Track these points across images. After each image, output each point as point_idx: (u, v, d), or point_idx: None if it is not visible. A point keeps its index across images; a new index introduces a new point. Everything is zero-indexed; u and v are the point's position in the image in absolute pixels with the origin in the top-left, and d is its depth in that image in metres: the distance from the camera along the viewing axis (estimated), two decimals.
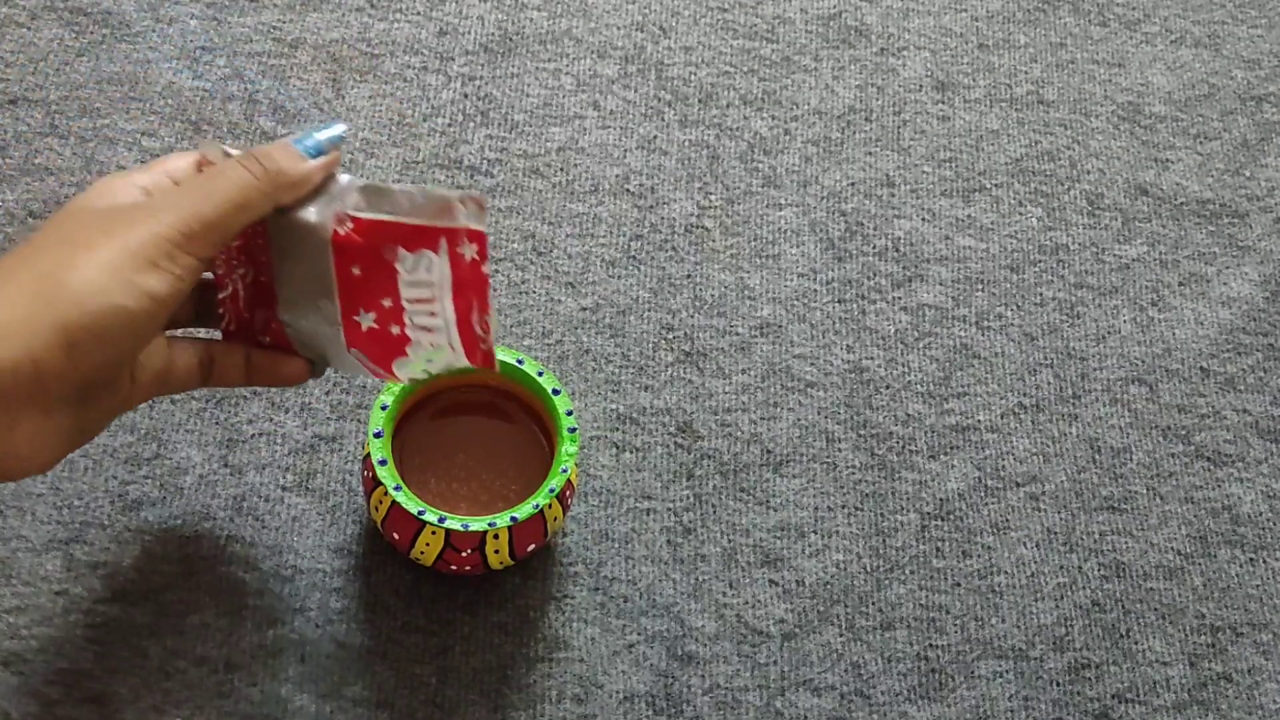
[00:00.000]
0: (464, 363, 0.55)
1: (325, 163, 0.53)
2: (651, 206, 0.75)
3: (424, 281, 0.53)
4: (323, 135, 0.53)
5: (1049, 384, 0.72)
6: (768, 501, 0.67)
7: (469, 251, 0.53)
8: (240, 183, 0.51)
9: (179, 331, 0.57)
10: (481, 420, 0.63)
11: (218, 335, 0.57)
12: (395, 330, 0.54)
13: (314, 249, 0.53)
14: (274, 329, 0.57)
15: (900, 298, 0.73)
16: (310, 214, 0.53)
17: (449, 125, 0.76)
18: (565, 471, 0.59)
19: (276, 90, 0.76)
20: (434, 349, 0.55)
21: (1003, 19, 0.84)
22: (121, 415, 0.53)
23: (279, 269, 0.55)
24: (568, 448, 0.60)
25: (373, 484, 0.59)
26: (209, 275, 0.56)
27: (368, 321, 0.54)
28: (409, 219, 0.52)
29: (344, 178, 0.54)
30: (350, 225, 0.53)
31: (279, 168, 0.52)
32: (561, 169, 0.75)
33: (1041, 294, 0.74)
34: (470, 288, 0.53)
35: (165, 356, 0.53)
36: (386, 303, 0.54)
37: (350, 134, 0.75)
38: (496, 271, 0.72)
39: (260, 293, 0.56)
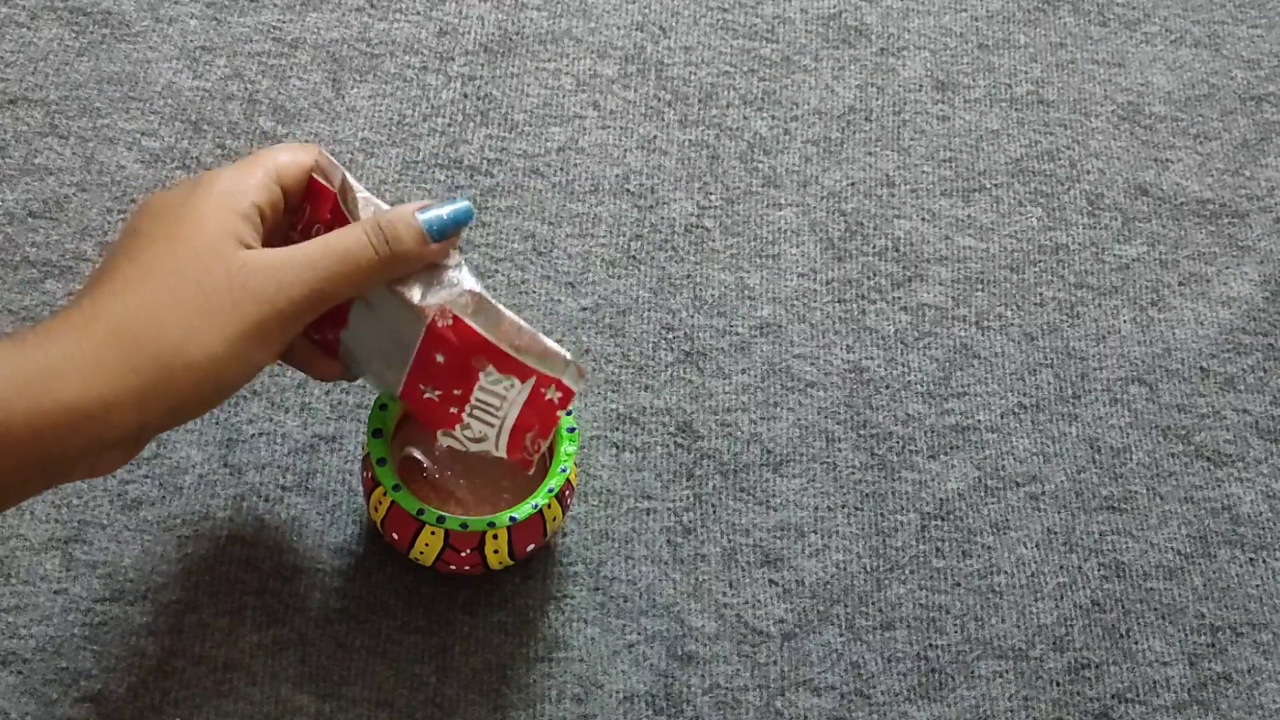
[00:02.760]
0: (501, 455, 0.57)
1: (445, 246, 0.54)
2: (651, 206, 0.75)
3: (500, 395, 0.55)
4: (447, 213, 0.53)
5: (1049, 384, 0.72)
6: (768, 501, 0.67)
7: (552, 395, 0.55)
8: (363, 264, 0.52)
9: None
10: None
11: None
12: (452, 410, 0.56)
13: (403, 320, 0.54)
14: (328, 338, 0.58)
15: (900, 298, 0.73)
16: (414, 294, 0.54)
17: (449, 125, 0.76)
18: (564, 471, 0.59)
19: (276, 90, 0.76)
20: (481, 437, 0.56)
21: (1003, 19, 0.84)
22: None
23: (357, 310, 0.56)
24: (567, 447, 0.60)
25: (372, 484, 0.59)
26: None
27: (431, 394, 0.56)
28: (510, 349, 0.54)
29: (454, 259, 0.55)
30: (450, 322, 0.54)
31: (404, 251, 0.52)
32: (561, 169, 0.75)
33: (1041, 294, 0.74)
34: (538, 416, 0.56)
35: None
36: (456, 391, 0.55)
37: (350, 134, 0.75)
38: (496, 271, 0.72)
39: (329, 312, 0.57)
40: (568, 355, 0.55)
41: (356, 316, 0.56)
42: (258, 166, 0.53)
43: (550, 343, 0.55)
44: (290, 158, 0.54)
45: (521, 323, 0.54)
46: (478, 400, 0.55)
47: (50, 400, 0.47)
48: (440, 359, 0.55)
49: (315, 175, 0.55)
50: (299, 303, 0.50)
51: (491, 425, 0.56)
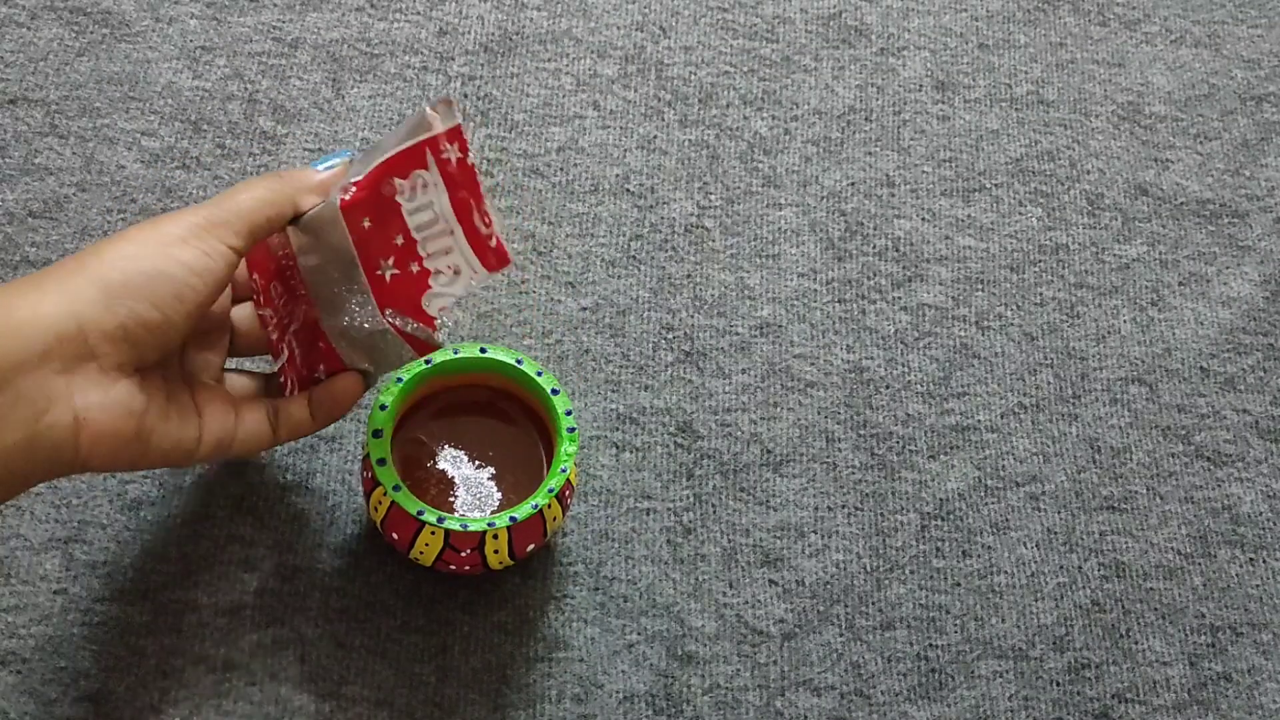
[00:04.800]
0: (483, 275, 0.57)
1: (335, 172, 0.58)
2: (651, 206, 0.75)
3: (424, 204, 0.56)
4: (332, 159, 0.58)
5: (1049, 384, 0.72)
6: (768, 501, 0.67)
7: (453, 153, 0.55)
8: (263, 183, 0.56)
9: (235, 375, 0.60)
10: (480, 420, 0.63)
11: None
12: (415, 268, 0.57)
13: (331, 233, 0.56)
14: (324, 350, 0.58)
15: (900, 298, 0.73)
16: (321, 205, 0.56)
17: None
18: (564, 471, 0.59)
19: (276, 90, 0.76)
20: (455, 268, 0.57)
21: (1003, 19, 0.84)
22: (187, 465, 0.57)
23: (314, 285, 0.57)
24: (567, 448, 0.60)
25: (372, 484, 0.59)
26: (259, 313, 0.60)
27: (389, 270, 0.57)
28: (393, 150, 0.56)
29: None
30: (353, 190, 0.55)
31: (292, 173, 0.57)
32: (561, 169, 0.75)
33: (1041, 294, 0.74)
34: (462, 186, 0.56)
35: (230, 417, 0.56)
36: (399, 240, 0.56)
37: (350, 134, 0.75)
38: None
39: (309, 333, 0.58)
40: (424, 104, 0.56)
41: (310, 279, 0.57)
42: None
43: (411, 116, 0.56)
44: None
45: (386, 136, 0.56)
46: (418, 231, 0.56)
47: (26, 311, 0.49)
48: (367, 223, 0.55)
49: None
50: (207, 214, 0.54)
51: (448, 250, 0.57)
